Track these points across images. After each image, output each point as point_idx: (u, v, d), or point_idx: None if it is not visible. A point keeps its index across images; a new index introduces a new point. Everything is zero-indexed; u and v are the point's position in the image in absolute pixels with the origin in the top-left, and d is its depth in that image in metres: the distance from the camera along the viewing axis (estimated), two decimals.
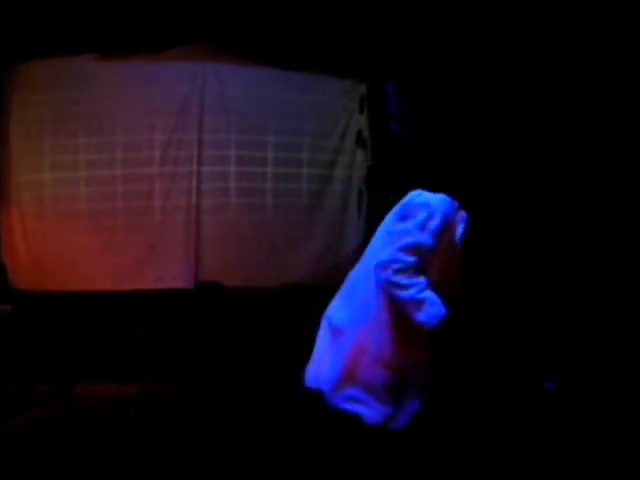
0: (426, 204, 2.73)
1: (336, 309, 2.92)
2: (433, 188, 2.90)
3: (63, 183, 5.54)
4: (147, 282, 5.58)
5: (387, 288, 2.65)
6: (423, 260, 2.64)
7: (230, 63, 5.76)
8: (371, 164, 6.05)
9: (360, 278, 2.85)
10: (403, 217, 2.75)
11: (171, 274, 5.69)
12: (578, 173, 5.20)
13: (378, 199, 5.95)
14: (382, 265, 2.63)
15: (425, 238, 2.65)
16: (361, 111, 6.06)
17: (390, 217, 2.87)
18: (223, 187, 5.84)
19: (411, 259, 2.60)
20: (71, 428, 3.82)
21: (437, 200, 2.77)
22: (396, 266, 2.60)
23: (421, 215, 2.69)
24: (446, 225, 2.73)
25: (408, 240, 2.64)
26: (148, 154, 5.67)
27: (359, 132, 6.08)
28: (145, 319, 5.36)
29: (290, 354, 4.90)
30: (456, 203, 2.84)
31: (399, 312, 2.67)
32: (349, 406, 2.78)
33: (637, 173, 4.79)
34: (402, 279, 2.59)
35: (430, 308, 2.59)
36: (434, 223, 2.68)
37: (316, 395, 2.82)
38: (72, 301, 5.36)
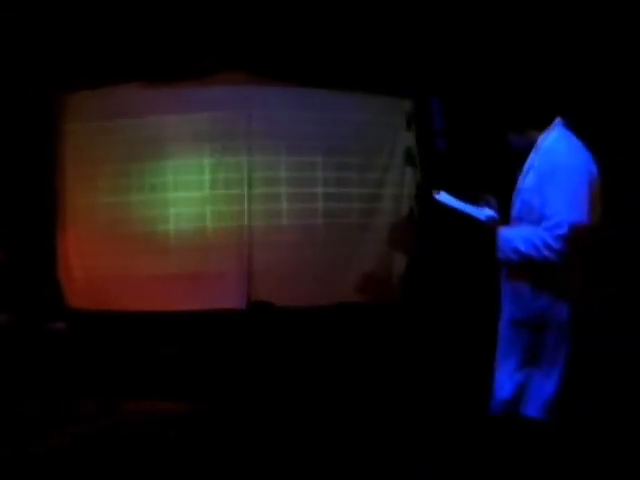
0: None
1: None
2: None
3: (117, 207, 5.68)
4: (199, 303, 5.59)
5: None
6: None
7: (274, 86, 5.82)
8: (421, 181, 6.00)
9: None
10: None
11: (223, 295, 5.69)
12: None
13: (429, 217, 5.91)
14: None
15: None
16: (408, 128, 6.02)
17: None
18: (275, 208, 5.86)
19: None
20: (112, 445, 3.83)
21: None
22: None
23: None
24: None
25: None
26: (198, 177, 5.77)
27: (407, 149, 6.03)
28: (197, 339, 5.39)
29: (341, 372, 4.94)
30: None
31: None
32: None
33: None
34: None
35: None
36: None
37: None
38: (125, 320, 5.43)
